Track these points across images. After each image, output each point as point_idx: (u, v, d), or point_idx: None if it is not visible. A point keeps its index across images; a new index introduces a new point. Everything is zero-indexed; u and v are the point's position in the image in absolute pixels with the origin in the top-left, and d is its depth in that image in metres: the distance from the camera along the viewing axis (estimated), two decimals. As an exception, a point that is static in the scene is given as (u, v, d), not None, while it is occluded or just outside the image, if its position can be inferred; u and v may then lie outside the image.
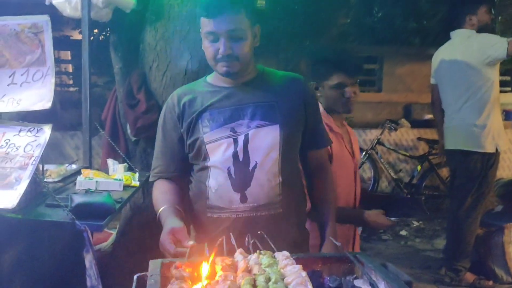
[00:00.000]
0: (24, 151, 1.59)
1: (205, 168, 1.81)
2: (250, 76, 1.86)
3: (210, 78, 1.91)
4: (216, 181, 1.78)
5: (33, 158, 1.55)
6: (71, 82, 7.49)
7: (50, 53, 1.71)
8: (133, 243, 3.25)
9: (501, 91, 8.31)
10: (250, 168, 1.76)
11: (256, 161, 1.76)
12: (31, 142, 1.59)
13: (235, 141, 1.77)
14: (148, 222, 3.20)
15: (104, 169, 2.79)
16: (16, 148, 1.60)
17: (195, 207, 1.88)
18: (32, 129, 1.65)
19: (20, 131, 1.65)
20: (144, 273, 1.45)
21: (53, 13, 2.78)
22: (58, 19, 2.89)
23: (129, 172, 2.59)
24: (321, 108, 2.15)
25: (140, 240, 3.22)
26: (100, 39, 6.00)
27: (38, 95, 1.69)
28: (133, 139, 3.07)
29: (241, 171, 1.76)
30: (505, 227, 4.03)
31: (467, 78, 3.78)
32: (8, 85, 1.69)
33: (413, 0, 8.02)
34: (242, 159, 1.76)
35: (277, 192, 1.79)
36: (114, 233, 3.74)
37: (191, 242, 1.56)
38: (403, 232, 5.62)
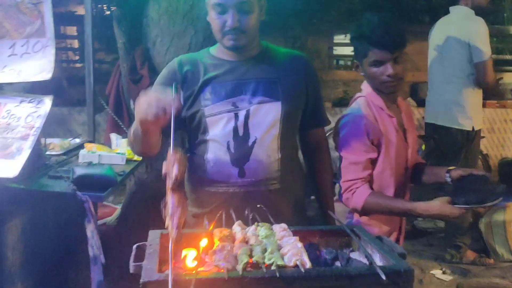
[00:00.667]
0: (25, 121, 1.61)
1: (204, 141, 1.80)
2: (254, 52, 1.85)
3: (213, 50, 1.89)
4: (214, 155, 1.78)
5: (34, 129, 1.57)
6: (77, 58, 7.48)
7: (50, 24, 1.71)
8: (137, 218, 3.29)
9: (508, 70, 8.28)
10: (250, 143, 1.76)
11: (256, 137, 1.76)
12: (32, 113, 1.61)
13: (236, 116, 1.76)
14: (151, 197, 3.24)
15: (108, 143, 2.82)
16: (17, 119, 1.62)
17: (191, 180, 1.88)
18: (33, 100, 1.67)
19: (21, 102, 1.67)
20: (143, 242, 1.48)
21: (58, -13, 2.79)
22: None
23: (132, 147, 2.61)
24: (369, 89, 2.00)
25: (144, 214, 3.26)
26: (107, 14, 5.97)
27: (39, 66, 1.69)
28: (137, 114, 3.08)
29: (241, 146, 1.76)
30: (507, 205, 4.04)
31: (456, 56, 3.74)
32: (8, 56, 1.70)
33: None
34: (242, 134, 1.76)
35: (276, 168, 1.80)
36: (119, 208, 3.79)
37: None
38: (406, 211, 5.63)
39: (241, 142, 1.76)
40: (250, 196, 1.75)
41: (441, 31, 3.91)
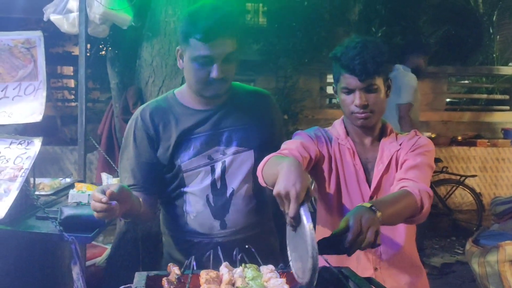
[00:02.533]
0: (14, 163, 1.62)
1: (182, 193, 1.80)
2: (223, 98, 1.80)
3: (180, 97, 1.82)
4: (194, 208, 1.79)
5: (22, 170, 1.58)
6: (72, 97, 7.55)
7: (42, 68, 1.75)
8: (127, 258, 3.25)
9: (499, 110, 8.44)
10: (228, 195, 1.79)
11: (233, 188, 1.79)
12: (21, 155, 1.62)
13: (212, 169, 1.77)
14: (141, 237, 3.22)
15: (99, 183, 2.81)
16: (6, 160, 1.63)
17: (171, 229, 1.88)
18: (22, 141, 1.68)
19: (11, 144, 1.68)
20: (129, 285, 1.46)
21: (55, 29, 2.84)
22: (60, 35, 2.95)
23: (122, 186, 2.60)
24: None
25: (133, 254, 3.23)
26: (102, 54, 6.07)
27: (30, 108, 1.72)
28: (128, 154, 3.09)
29: (220, 198, 1.78)
30: (500, 245, 4.01)
31: (392, 105, 4.70)
32: (0, 99, 1.73)
33: (412, 19, 8.11)
34: (219, 187, 1.78)
35: (253, 214, 1.83)
36: (108, 248, 3.74)
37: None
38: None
39: (220, 194, 1.78)
40: (232, 244, 1.71)
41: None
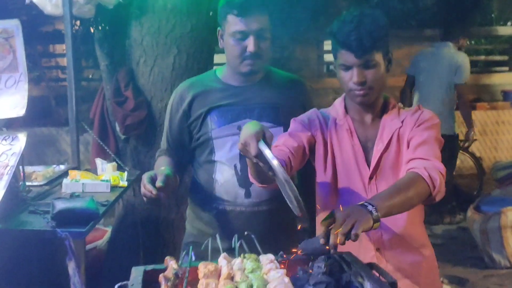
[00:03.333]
0: (-2, 160, 1.56)
1: (212, 161, 1.93)
2: (259, 76, 1.95)
3: (220, 74, 2.00)
4: (222, 176, 1.91)
5: (8, 168, 1.53)
6: (65, 76, 7.40)
7: (22, 59, 1.67)
8: (127, 241, 3.24)
9: (498, 71, 8.33)
10: None
11: None
12: (6, 151, 1.56)
13: None
14: (141, 220, 3.20)
15: (94, 168, 2.76)
16: (-9, 158, 1.57)
17: (199, 196, 2.01)
18: (7, 137, 1.61)
19: (-6, 140, 1.62)
20: (125, 282, 1.43)
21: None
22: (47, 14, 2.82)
23: (117, 172, 2.56)
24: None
25: (134, 237, 3.21)
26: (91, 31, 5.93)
27: (12, 102, 1.65)
28: (123, 137, 3.03)
29: (247, 169, 1.79)
30: (502, 211, 4.01)
31: (443, 82, 4.92)
32: (-21, 93, 1.66)
33: (409, -20, 7.91)
34: None
35: (277, 189, 1.82)
36: (109, 230, 3.72)
37: (160, 184, 1.68)
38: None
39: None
40: (255, 216, 1.90)
41: (432, 61, 5.01)
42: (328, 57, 8.37)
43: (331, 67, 9.33)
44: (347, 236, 1.35)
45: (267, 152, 1.38)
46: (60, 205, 1.75)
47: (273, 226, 1.88)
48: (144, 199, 1.75)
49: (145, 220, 3.11)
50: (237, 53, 1.83)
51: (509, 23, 9.06)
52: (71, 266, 1.63)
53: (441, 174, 1.56)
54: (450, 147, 4.83)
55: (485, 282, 3.72)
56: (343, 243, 1.36)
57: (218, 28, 1.91)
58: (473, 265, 4.17)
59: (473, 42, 8.80)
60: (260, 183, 1.66)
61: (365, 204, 1.41)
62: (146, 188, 1.69)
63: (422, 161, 1.58)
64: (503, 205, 4.15)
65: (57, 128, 6.09)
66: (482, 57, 8.50)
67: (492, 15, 8.94)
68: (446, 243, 4.81)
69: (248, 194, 1.90)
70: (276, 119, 1.92)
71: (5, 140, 1.58)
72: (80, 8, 2.69)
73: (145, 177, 1.73)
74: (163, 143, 2.06)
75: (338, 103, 1.81)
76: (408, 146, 1.69)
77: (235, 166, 1.89)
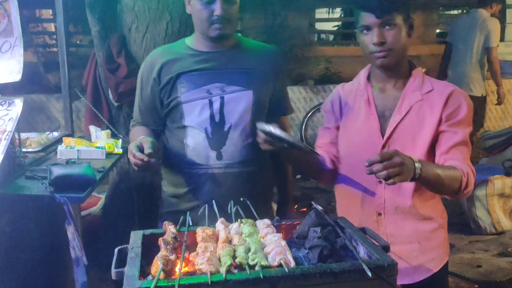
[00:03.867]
0: (-4, 125, 1.56)
1: (183, 127, 1.94)
2: (230, 43, 1.96)
3: (189, 41, 2.01)
4: (194, 140, 1.93)
5: (6, 133, 1.53)
6: (53, 42, 7.29)
7: (17, 23, 1.65)
8: (122, 207, 3.27)
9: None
10: (226, 128, 1.92)
11: (231, 123, 1.92)
12: (2, 116, 1.56)
13: (210, 103, 1.90)
14: (135, 187, 3.22)
15: (87, 136, 2.76)
16: (-12, 123, 1.57)
17: (171, 163, 2.02)
18: (3, 102, 1.61)
19: (-10, 105, 1.61)
20: (125, 245, 1.46)
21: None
22: None
23: (112, 139, 2.56)
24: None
25: (128, 204, 3.24)
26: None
27: (7, 67, 1.64)
28: (116, 104, 3.02)
29: (217, 131, 1.91)
30: (489, 180, 4.10)
31: (475, 46, 5.25)
32: (-26, 57, 1.64)
33: None
34: (218, 121, 1.91)
35: (250, 151, 1.94)
36: (103, 197, 3.75)
37: (149, 151, 1.71)
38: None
39: (218, 127, 1.91)
40: (227, 177, 1.93)
41: (466, 27, 5.34)
42: (320, 26, 8.30)
43: (323, 35, 9.26)
44: (387, 178, 1.42)
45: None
46: (57, 171, 1.76)
47: (245, 188, 1.88)
48: (135, 168, 1.76)
49: (139, 187, 3.13)
50: (205, 17, 1.84)
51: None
52: (70, 230, 1.65)
53: (473, 177, 1.64)
54: (480, 108, 5.26)
55: (470, 247, 3.83)
56: (381, 177, 1.44)
57: None
58: (459, 231, 4.27)
59: (464, 11, 8.77)
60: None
61: (415, 161, 1.48)
62: (137, 157, 1.71)
63: (459, 162, 1.64)
64: (490, 173, 4.24)
65: (47, 95, 6.02)
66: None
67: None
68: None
69: (219, 156, 1.92)
70: (246, 82, 1.93)
71: (2, 105, 1.57)
72: (71, -28, 2.63)
73: (133, 147, 1.75)
74: (136, 113, 2.07)
75: (362, 72, 1.86)
76: (437, 138, 1.70)
77: (205, 129, 1.91)
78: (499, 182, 4.11)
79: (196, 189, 1.96)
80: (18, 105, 1.60)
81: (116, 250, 1.43)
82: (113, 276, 1.31)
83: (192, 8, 1.90)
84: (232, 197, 1.67)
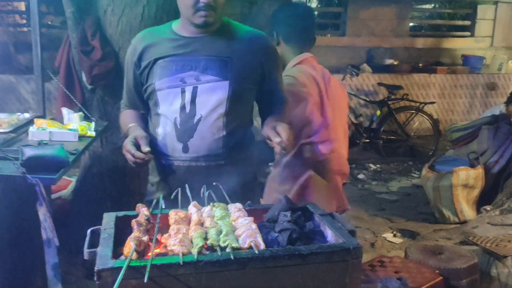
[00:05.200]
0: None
1: (157, 115, 1.88)
2: (214, 28, 1.85)
3: (175, 26, 1.91)
4: (163, 129, 1.87)
5: (-22, 113, 1.52)
6: (24, 22, 7.11)
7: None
8: (93, 191, 3.26)
9: (460, 36, 8.51)
10: (195, 120, 1.83)
11: (201, 114, 1.82)
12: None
13: (183, 91, 1.82)
14: (107, 170, 3.21)
15: (59, 118, 2.74)
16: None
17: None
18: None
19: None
20: (97, 227, 1.47)
21: None
22: None
23: (85, 122, 2.55)
24: None
25: (100, 187, 3.23)
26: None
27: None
28: (89, 87, 3.00)
29: (186, 122, 1.83)
30: (454, 171, 4.24)
31: None
32: None
33: None
34: (188, 111, 1.83)
35: (220, 145, 1.85)
36: (74, 180, 3.72)
37: (147, 149, 1.72)
38: (360, 176, 5.82)
39: (187, 119, 1.82)
40: (192, 171, 1.85)
41: None
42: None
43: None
44: None
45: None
46: (29, 152, 1.76)
47: (210, 182, 1.73)
48: (133, 165, 1.74)
49: (111, 170, 3.13)
50: (190, 4, 1.76)
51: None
52: (42, 212, 1.66)
53: None
54: None
55: (434, 236, 3.96)
56: None
57: None
58: (424, 220, 4.42)
59: (437, 5, 8.94)
60: None
61: None
62: (137, 156, 1.70)
63: None
64: (455, 165, 4.38)
65: (17, 76, 5.90)
66: (445, 21, 8.68)
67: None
68: (401, 199, 5.07)
69: (185, 149, 1.84)
70: (222, 72, 1.81)
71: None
72: (45, -49, 2.59)
73: (129, 145, 1.73)
74: (124, 97, 2.02)
75: None
76: None
77: (174, 120, 1.83)
78: (463, 173, 4.25)
79: (165, 179, 1.93)
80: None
81: (88, 231, 1.44)
82: (86, 256, 1.32)
83: None
84: (196, 190, 1.64)
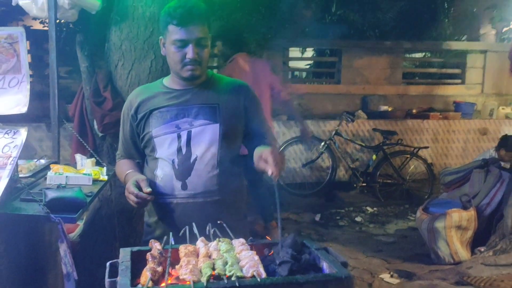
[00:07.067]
0: (2, 151, 1.74)
1: (155, 159, 2.10)
2: (201, 80, 2.11)
3: (166, 81, 2.18)
4: (162, 171, 2.07)
5: (11, 158, 1.71)
6: (31, 72, 7.43)
7: (25, 62, 1.86)
8: (102, 233, 3.39)
9: (451, 83, 8.83)
10: (191, 160, 2.06)
11: (196, 155, 2.05)
12: (8, 144, 1.75)
13: (179, 136, 2.05)
14: (116, 213, 3.37)
15: (73, 163, 2.92)
16: (-5, 150, 1.75)
17: None
18: (9, 131, 1.80)
19: (-3, 134, 1.80)
20: (115, 260, 1.64)
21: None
22: (17, 9, 2.97)
23: (97, 167, 2.74)
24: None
25: (108, 230, 3.37)
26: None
27: (15, 100, 1.84)
28: (100, 134, 3.20)
29: (183, 163, 2.05)
30: (447, 213, 4.39)
31: None
32: (-14, 92, 1.84)
33: (370, -4, 8.31)
34: (184, 153, 2.06)
35: (214, 182, 2.07)
36: (81, 224, 3.86)
37: (149, 189, 1.93)
38: (358, 218, 5.95)
39: (184, 159, 2.05)
40: (191, 207, 2.05)
41: None
42: (292, 64, 8.70)
43: (296, 73, 9.67)
44: None
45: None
46: (52, 193, 1.94)
47: (208, 217, 1.94)
48: (135, 205, 1.96)
49: (119, 212, 3.29)
50: (178, 59, 2.00)
51: (462, 38, 9.62)
52: (63, 248, 1.82)
53: None
54: None
55: (430, 276, 4.06)
56: None
57: (160, 37, 2.08)
58: (420, 261, 4.53)
59: (428, 55, 9.32)
60: None
61: None
62: (140, 196, 1.91)
63: None
64: (448, 207, 4.53)
65: (24, 124, 6.10)
66: (437, 70, 9.03)
67: (447, 31, 9.48)
68: (397, 241, 5.19)
69: (184, 186, 2.04)
70: (212, 116, 2.05)
71: (7, 134, 1.76)
72: (64, 13, 2.86)
73: (132, 186, 1.93)
74: (120, 147, 2.25)
75: None
76: None
77: (172, 161, 2.04)
78: (456, 215, 4.40)
79: (163, 218, 2.11)
80: (22, 133, 1.80)
81: (108, 263, 1.61)
82: (107, 286, 1.49)
83: (167, 51, 2.05)
84: (197, 226, 1.82)
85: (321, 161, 7.10)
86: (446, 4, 9.60)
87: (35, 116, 5.86)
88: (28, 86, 1.88)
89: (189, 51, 1.98)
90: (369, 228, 5.64)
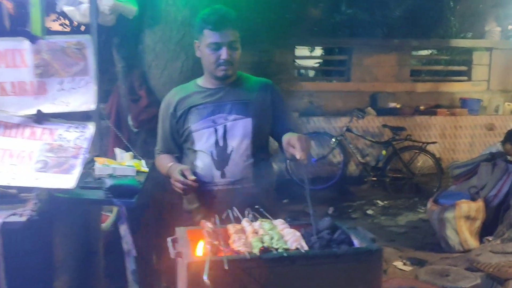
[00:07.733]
0: (74, 143, 1.99)
1: (194, 152, 2.30)
2: (232, 79, 2.33)
3: (200, 81, 2.39)
4: (202, 162, 2.28)
5: (82, 149, 1.96)
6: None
7: (93, 65, 2.11)
8: (134, 223, 3.62)
9: (457, 80, 9.01)
10: (228, 151, 2.28)
11: (232, 146, 2.28)
12: (79, 137, 2.00)
13: (216, 130, 2.28)
14: (148, 204, 3.60)
15: (112, 157, 3.16)
16: (68, 141, 2.01)
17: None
18: (78, 126, 2.05)
19: (69, 128, 2.05)
20: (175, 236, 1.88)
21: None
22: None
23: (136, 160, 2.97)
24: None
25: (140, 220, 3.61)
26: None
27: (83, 98, 2.09)
28: (135, 130, 3.45)
29: (221, 154, 2.28)
30: (457, 204, 4.61)
31: None
32: (58, 91, 2.10)
33: (379, -5, 8.51)
34: (222, 145, 2.28)
35: (250, 170, 2.31)
36: (111, 215, 4.10)
37: (193, 177, 2.13)
38: (370, 211, 6.18)
39: (222, 151, 2.27)
40: (230, 193, 2.25)
41: None
42: (300, 62, 8.92)
43: (302, 71, 9.88)
44: None
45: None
46: (110, 181, 2.19)
47: (245, 202, 2.11)
48: (181, 192, 2.17)
49: (152, 203, 3.52)
50: (213, 60, 2.21)
51: (468, 36, 9.80)
52: (123, 228, 2.07)
53: None
54: None
55: (441, 263, 4.27)
56: None
57: (195, 41, 2.28)
58: (431, 249, 4.75)
59: (435, 52, 9.51)
60: None
61: None
62: (186, 183, 2.12)
63: None
64: (457, 198, 4.75)
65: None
66: (443, 67, 9.21)
67: (453, 28, 9.67)
68: (409, 231, 5.42)
69: (223, 175, 2.25)
70: (245, 111, 2.26)
71: (77, 128, 2.01)
72: (104, 18, 3.10)
73: (178, 175, 2.14)
74: (159, 143, 2.43)
75: None
76: None
77: (211, 153, 2.25)
78: (465, 206, 4.62)
79: (205, 204, 2.32)
80: (91, 128, 2.05)
81: (169, 239, 1.85)
82: (172, 256, 1.73)
83: (202, 53, 2.27)
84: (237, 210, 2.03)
85: (332, 157, 7.32)
86: (452, 2, 9.78)
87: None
88: (96, 87, 2.13)
89: (223, 53, 2.19)
90: (381, 220, 5.86)
